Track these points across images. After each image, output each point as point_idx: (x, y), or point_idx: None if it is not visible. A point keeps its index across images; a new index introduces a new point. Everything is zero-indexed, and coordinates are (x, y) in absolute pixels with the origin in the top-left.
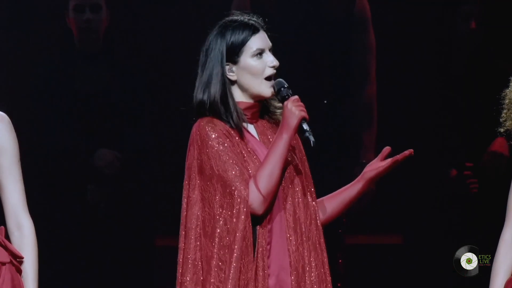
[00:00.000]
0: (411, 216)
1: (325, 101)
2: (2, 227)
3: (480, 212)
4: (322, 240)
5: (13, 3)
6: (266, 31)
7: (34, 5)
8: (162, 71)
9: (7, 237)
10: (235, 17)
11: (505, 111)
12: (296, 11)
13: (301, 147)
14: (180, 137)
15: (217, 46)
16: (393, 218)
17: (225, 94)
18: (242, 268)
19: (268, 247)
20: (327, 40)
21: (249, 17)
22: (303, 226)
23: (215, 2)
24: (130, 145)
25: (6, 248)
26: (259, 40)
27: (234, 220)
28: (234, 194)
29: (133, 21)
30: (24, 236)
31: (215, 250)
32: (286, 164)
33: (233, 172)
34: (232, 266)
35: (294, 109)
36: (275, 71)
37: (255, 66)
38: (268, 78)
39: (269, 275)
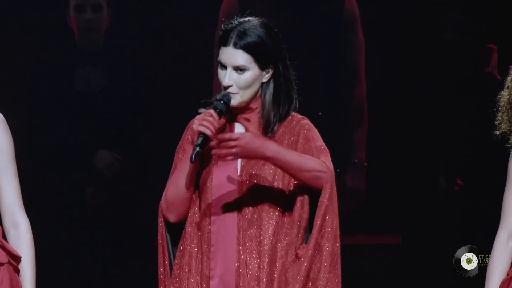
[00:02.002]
0: (410, 215)
1: (320, 113)
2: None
3: (479, 212)
4: (289, 243)
5: (14, 2)
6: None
7: (35, 3)
8: (163, 71)
9: (4, 237)
10: (234, 21)
11: (500, 113)
12: (285, 11)
13: (301, 143)
14: (180, 138)
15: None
16: (392, 217)
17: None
18: (163, 267)
19: (213, 248)
20: (316, 40)
21: (235, 25)
22: (258, 230)
23: (213, 3)
24: (130, 146)
25: (3, 248)
26: (224, 55)
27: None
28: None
29: (134, 21)
30: (20, 235)
31: None
32: (190, 177)
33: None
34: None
35: (195, 122)
36: (230, 89)
37: (219, 74)
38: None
39: (212, 277)
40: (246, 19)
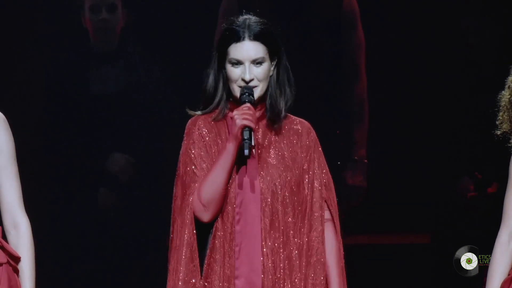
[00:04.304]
0: (417, 213)
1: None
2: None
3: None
4: (315, 243)
5: (29, 3)
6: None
7: (50, 4)
8: (178, 72)
9: (4, 237)
10: (236, 19)
11: (501, 113)
12: (285, 9)
13: (314, 149)
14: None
15: (217, 41)
16: (421, 217)
17: (215, 87)
18: (188, 273)
19: (237, 248)
20: (316, 37)
21: (241, 21)
22: (281, 229)
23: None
24: (143, 149)
25: (3, 249)
26: (238, 51)
27: (181, 224)
28: (187, 199)
29: (149, 21)
30: (20, 235)
31: (169, 253)
32: (230, 173)
33: (193, 177)
34: (180, 270)
35: (236, 117)
36: (250, 83)
37: (230, 72)
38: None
39: (237, 276)
40: (247, 16)
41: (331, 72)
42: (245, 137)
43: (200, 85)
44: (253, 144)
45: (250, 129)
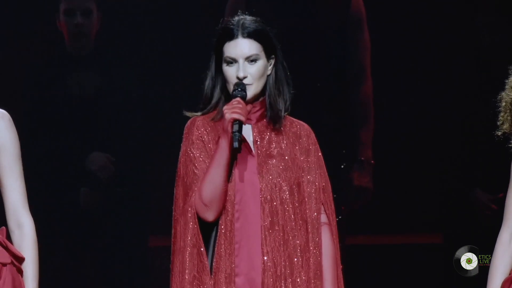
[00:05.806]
0: (421, 213)
1: (317, 85)
2: (3, 227)
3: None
4: (312, 243)
5: (3, 5)
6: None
7: (25, 7)
8: (154, 74)
9: (8, 237)
10: (231, 18)
11: (501, 113)
12: (292, 11)
13: (313, 151)
14: (173, 139)
15: (214, 43)
16: (433, 216)
17: (213, 88)
18: (197, 274)
19: (237, 246)
20: (322, 38)
21: (236, 21)
22: (281, 228)
23: (210, 4)
24: (122, 148)
25: (7, 249)
26: (232, 49)
27: (184, 225)
28: (189, 200)
29: (125, 24)
30: (24, 235)
31: (172, 255)
32: (227, 169)
33: (194, 178)
34: (186, 272)
35: (226, 111)
36: (245, 80)
37: (226, 72)
38: None
39: (237, 274)
40: (242, 16)
41: (337, 73)
42: (234, 130)
43: (175, 84)
44: (240, 137)
45: (240, 122)
